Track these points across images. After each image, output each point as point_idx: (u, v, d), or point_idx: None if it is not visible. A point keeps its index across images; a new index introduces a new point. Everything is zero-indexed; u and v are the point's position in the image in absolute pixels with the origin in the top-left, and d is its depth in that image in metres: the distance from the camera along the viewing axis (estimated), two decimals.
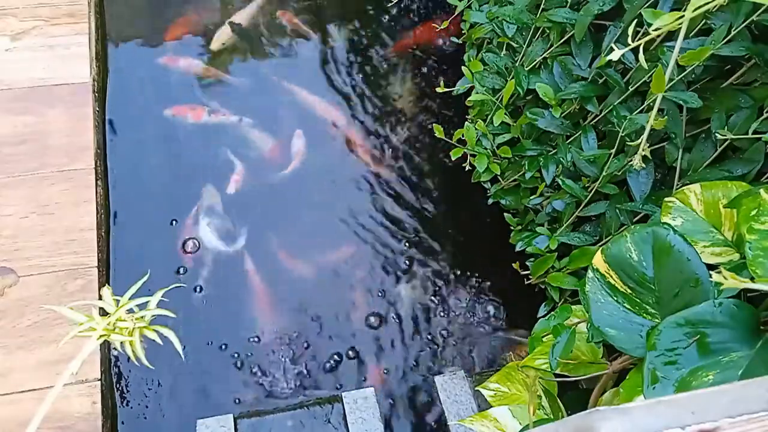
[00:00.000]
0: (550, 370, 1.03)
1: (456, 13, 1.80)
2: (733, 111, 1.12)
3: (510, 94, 1.48)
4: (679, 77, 1.13)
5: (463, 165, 1.63)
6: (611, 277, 0.90)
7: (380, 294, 1.69)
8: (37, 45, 1.83)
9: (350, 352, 1.61)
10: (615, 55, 0.83)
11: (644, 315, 0.87)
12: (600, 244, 1.39)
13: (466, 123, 1.60)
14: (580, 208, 1.41)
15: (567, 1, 1.38)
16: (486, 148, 1.57)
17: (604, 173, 1.31)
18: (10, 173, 1.62)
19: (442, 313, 1.69)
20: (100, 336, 0.57)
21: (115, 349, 1.52)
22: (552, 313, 1.13)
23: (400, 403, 1.56)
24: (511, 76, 1.49)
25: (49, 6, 1.91)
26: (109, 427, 1.41)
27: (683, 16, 0.79)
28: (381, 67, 2.06)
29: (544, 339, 1.14)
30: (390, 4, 2.13)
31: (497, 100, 1.52)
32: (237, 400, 1.51)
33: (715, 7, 0.80)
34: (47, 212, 1.57)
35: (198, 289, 1.64)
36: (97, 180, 1.65)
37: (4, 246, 1.51)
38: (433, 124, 1.63)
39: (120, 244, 1.67)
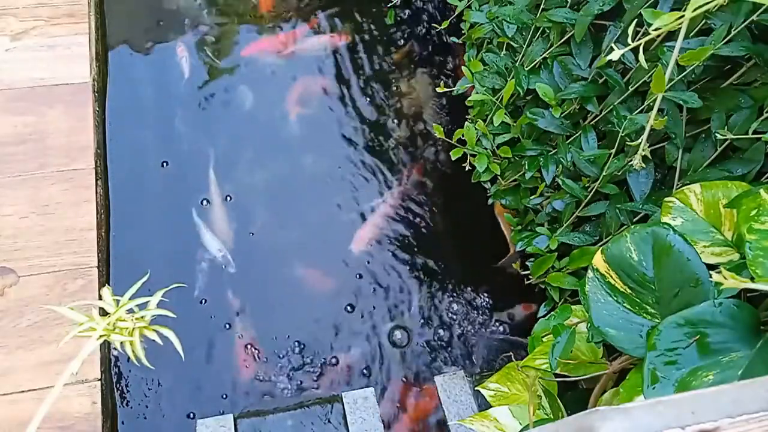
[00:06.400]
0: (550, 370, 1.03)
1: (455, 14, 1.80)
2: (733, 111, 1.12)
3: (510, 94, 1.47)
4: (679, 77, 1.13)
5: (463, 165, 1.63)
6: (611, 277, 0.90)
7: (379, 293, 1.69)
8: (37, 45, 1.83)
9: (346, 352, 1.61)
10: (615, 55, 0.83)
11: (644, 315, 0.87)
12: (600, 244, 1.39)
13: (466, 123, 1.60)
14: (580, 208, 1.41)
15: (567, 1, 1.38)
16: (486, 148, 1.57)
17: (604, 173, 1.31)
18: (10, 173, 1.62)
19: (441, 313, 1.69)
20: (100, 336, 0.57)
21: (115, 349, 1.52)
22: (552, 313, 1.13)
23: (400, 403, 1.56)
24: (511, 76, 1.49)
25: (49, 6, 1.91)
26: (109, 427, 1.41)
27: (683, 16, 0.79)
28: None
29: (544, 339, 1.14)
30: (390, 5, 2.13)
31: (497, 100, 1.52)
32: None
33: (715, 7, 0.80)
34: (47, 212, 1.57)
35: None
36: (97, 180, 1.65)
37: (4, 246, 1.51)
38: (433, 124, 1.63)
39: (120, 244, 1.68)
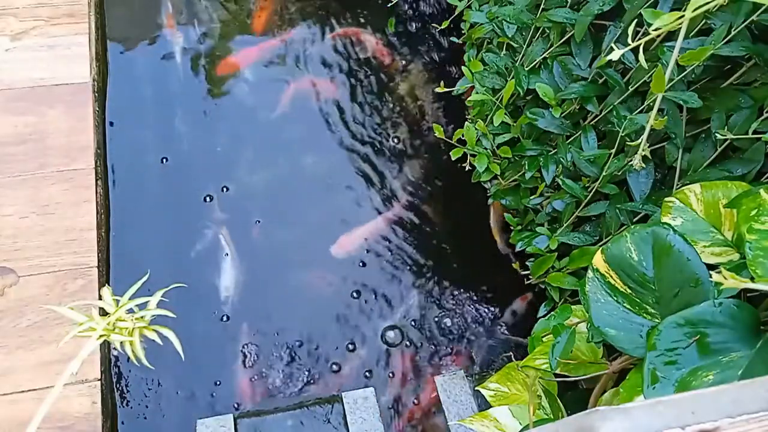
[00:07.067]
0: (550, 370, 1.03)
1: (455, 14, 1.80)
2: (733, 111, 1.12)
3: (510, 94, 1.48)
4: (679, 77, 1.14)
5: (463, 165, 1.63)
6: (611, 277, 0.90)
7: (379, 293, 1.69)
8: (37, 45, 1.83)
9: (344, 351, 1.61)
10: (615, 55, 0.83)
11: (644, 315, 0.87)
12: (600, 244, 1.39)
13: (466, 123, 1.60)
14: (580, 208, 1.41)
15: (567, 1, 1.38)
16: (486, 148, 1.57)
17: (604, 173, 1.31)
18: (10, 173, 1.62)
19: (441, 313, 1.68)
20: (100, 336, 0.57)
21: (115, 349, 1.52)
22: (552, 313, 1.13)
23: (400, 403, 1.56)
24: (511, 76, 1.49)
25: (49, 6, 1.91)
26: (109, 427, 1.41)
27: (683, 16, 0.79)
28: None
29: (544, 339, 1.14)
30: (390, 4, 2.13)
31: (497, 100, 1.52)
32: None
33: (715, 7, 0.80)
34: (47, 212, 1.57)
35: None
36: (97, 180, 1.65)
37: (4, 246, 1.51)
38: (433, 124, 1.63)
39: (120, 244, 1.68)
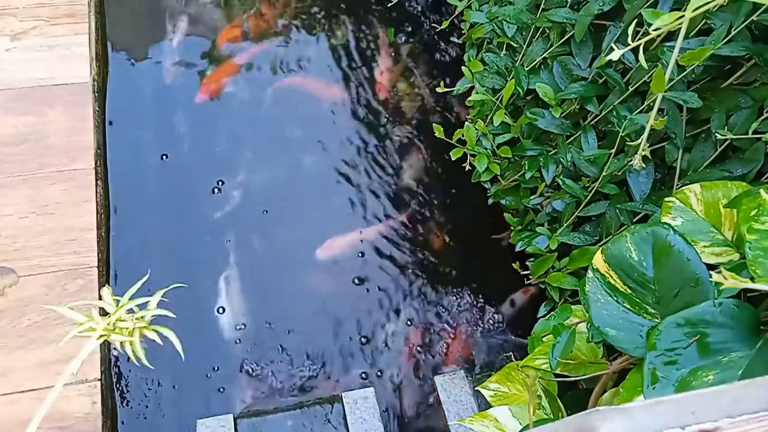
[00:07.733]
0: (550, 370, 1.03)
1: (455, 14, 1.80)
2: (733, 111, 1.12)
3: (510, 94, 1.48)
4: (679, 77, 1.13)
5: (463, 165, 1.63)
6: (611, 277, 0.90)
7: (376, 292, 1.69)
8: (37, 45, 1.83)
9: (350, 345, 1.61)
10: (615, 55, 0.83)
11: (644, 315, 0.87)
12: (600, 244, 1.39)
13: (466, 123, 1.60)
14: (580, 208, 1.41)
15: (567, 1, 1.38)
16: (486, 148, 1.57)
17: (604, 173, 1.31)
18: (10, 173, 1.62)
19: (441, 314, 1.68)
20: (100, 336, 0.57)
21: (115, 349, 1.52)
22: (552, 313, 1.13)
23: (400, 403, 1.56)
24: (511, 76, 1.49)
25: (49, 6, 1.91)
26: (109, 427, 1.41)
27: (683, 16, 0.79)
28: None
29: (544, 339, 1.14)
30: (390, 4, 2.13)
31: (497, 100, 1.52)
32: None
33: (715, 7, 0.80)
34: (47, 212, 1.57)
35: None
36: (97, 180, 1.65)
37: (4, 246, 1.51)
38: (433, 124, 1.63)
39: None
